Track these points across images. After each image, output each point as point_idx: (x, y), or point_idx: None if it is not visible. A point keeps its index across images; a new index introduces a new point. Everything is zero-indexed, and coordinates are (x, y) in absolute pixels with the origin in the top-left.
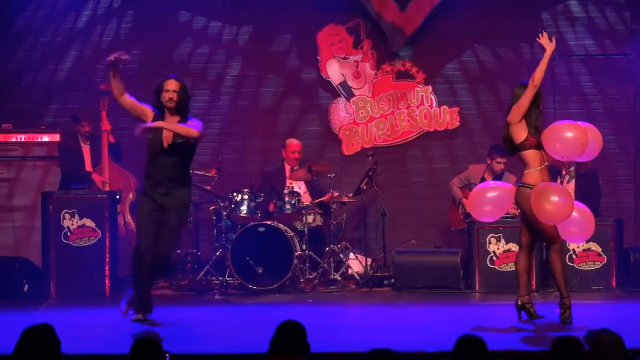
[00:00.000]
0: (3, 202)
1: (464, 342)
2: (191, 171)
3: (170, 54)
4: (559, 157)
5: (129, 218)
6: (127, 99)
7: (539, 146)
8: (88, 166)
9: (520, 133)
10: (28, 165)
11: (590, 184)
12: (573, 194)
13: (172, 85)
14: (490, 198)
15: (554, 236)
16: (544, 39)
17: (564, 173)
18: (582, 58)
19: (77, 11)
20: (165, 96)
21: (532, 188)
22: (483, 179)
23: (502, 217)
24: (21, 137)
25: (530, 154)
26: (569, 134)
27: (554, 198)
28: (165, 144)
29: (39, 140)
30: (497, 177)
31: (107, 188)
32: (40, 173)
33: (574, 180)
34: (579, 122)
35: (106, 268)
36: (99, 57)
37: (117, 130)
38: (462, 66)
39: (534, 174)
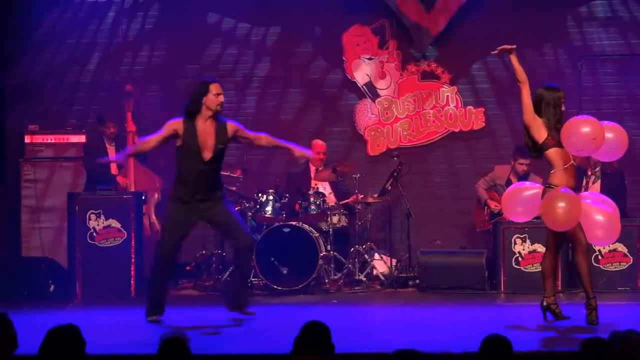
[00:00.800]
0: (33, 203)
1: (490, 343)
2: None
3: (195, 53)
4: (574, 151)
5: (154, 219)
6: (154, 143)
7: (560, 145)
8: (114, 168)
9: (540, 134)
10: (57, 166)
11: (616, 184)
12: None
13: (220, 89)
14: (523, 198)
15: (581, 237)
16: (499, 49)
17: (590, 173)
18: (608, 58)
19: (102, 12)
20: (216, 100)
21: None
22: (509, 180)
23: None
24: (50, 139)
25: (552, 154)
26: (583, 128)
27: (561, 204)
28: (207, 155)
29: (66, 141)
30: (522, 178)
31: (132, 189)
32: (70, 174)
33: (599, 181)
34: (604, 121)
35: (132, 269)
36: (122, 56)
37: (142, 131)
38: (487, 67)
39: (558, 174)
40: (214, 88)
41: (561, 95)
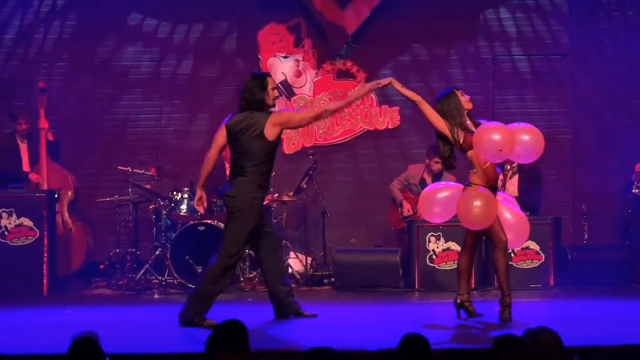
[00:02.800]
0: None
1: (408, 341)
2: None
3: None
4: (482, 158)
5: (67, 217)
6: (217, 153)
7: None
8: (26, 165)
9: (458, 137)
10: None
11: (532, 181)
12: (516, 190)
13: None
14: (440, 199)
15: (501, 235)
16: (380, 86)
17: (508, 168)
18: (520, 58)
19: (24, 9)
20: (273, 94)
21: (477, 187)
22: (423, 179)
23: None
24: None
25: (472, 154)
26: (489, 139)
27: (477, 203)
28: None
29: None
30: (436, 177)
31: (45, 187)
32: None
33: (517, 176)
34: (520, 123)
35: (44, 267)
36: (42, 56)
37: (55, 128)
38: (402, 65)
39: (477, 173)
40: (272, 81)
41: (457, 94)
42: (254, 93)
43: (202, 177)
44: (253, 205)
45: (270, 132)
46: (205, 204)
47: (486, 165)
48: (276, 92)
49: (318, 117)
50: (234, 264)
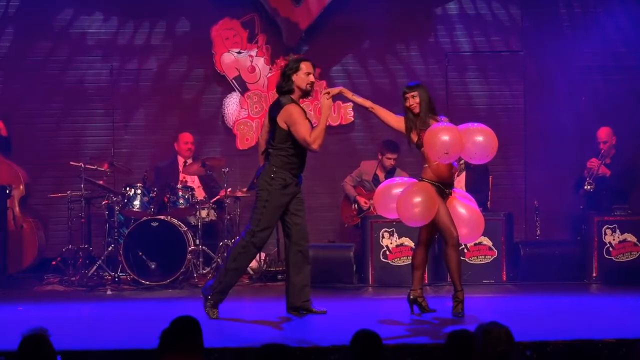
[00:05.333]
0: None
1: (361, 337)
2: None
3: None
4: (431, 158)
5: (18, 213)
6: (265, 132)
7: None
8: None
9: (413, 134)
10: None
11: (479, 178)
12: (464, 187)
13: (312, 67)
14: (396, 195)
15: (452, 231)
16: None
17: (455, 166)
18: (473, 55)
19: None
20: (307, 79)
21: (429, 182)
22: (375, 175)
23: None
24: None
25: (425, 150)
26: (436, 140)
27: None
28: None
29: None
30: (389, 173)
31: None
32: None
33: (464, 173)
34: (474, 124)
35: None
36: None
37: (5, 122)
38: (356, 61)
39: (430, 168)
40: (308, 66)
41: (405, 91)
42: (285, 76)
43: (260, 154)
44: (272, 185)
45: (281, 122)
46: None
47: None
48: (311, 78)
49: (309, 146)
50: (254, 243)
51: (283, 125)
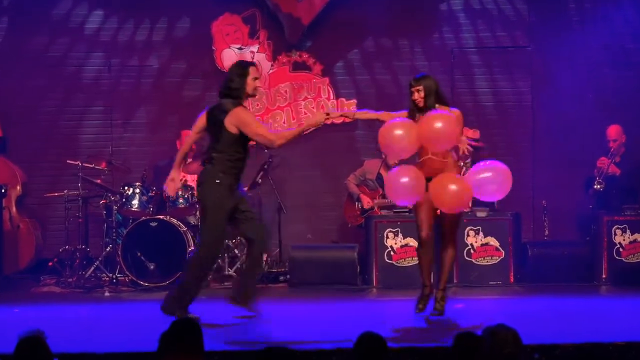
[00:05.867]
0: None
1: (365, 340)
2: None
3: (49, 45)
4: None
5: (14, 212)
6: (195, 134)
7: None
8: None
9: None
10: None
11: None
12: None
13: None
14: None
15: (419, 230)
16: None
17: (461, 164)
18: (478, 51)
19: None
20: (254, 84)
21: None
22: (379, 174)
23: (400, 212)
24: None
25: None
26: (394, 140)
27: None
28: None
29: None
30: None
31: None
32: None
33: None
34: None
35: None
36: None
37: (1, 119)
38: (359, 57)
39: (418, 164)
40: (254, 71)
41: (412, 84)
42: (232, 80)
43: (179, 157)
44: (218, 191)
45: (230, 126)
46: (176, 185)
47: (423, 158)
48: (258, 83)
49: (272, 143)
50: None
51: (232, 129)
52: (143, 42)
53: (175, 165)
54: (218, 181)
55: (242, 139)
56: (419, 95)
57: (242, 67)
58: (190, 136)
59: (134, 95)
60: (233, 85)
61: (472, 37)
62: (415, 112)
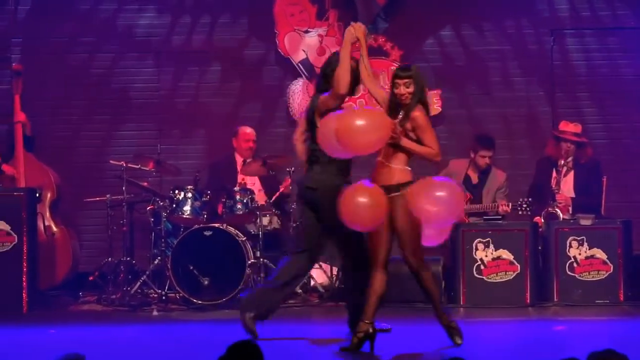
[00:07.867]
0: None
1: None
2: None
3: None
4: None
5: (49, 219)
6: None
7: None
8: None
9: None
10: None
11: (590, 177)
12: (572, 189)
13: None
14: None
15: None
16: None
17: (562, 164)
18: (580, 32)
19: None
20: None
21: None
22: (467, 176)
23: (491, 219)
24: None
25: None
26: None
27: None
28: None
29: None
30: (483, 173)
31: (22, 184)
32: None
33: (572, 173)
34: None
35: (23, 279)
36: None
37: (33, 116)
38: (442, 42)
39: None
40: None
41: (398, 74)
42: (326, 75)
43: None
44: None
45: (319, 117)
46: None
47: (378, 158)
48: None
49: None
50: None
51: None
52: (199, 24)
53: None
54: (337, 183)
55: None
56: (406, 91)
57: (337, 59)
58: (297, 138)
59: (185, 86)
60: (327, 81)
61: (573, 17)
62: (398, 107)
